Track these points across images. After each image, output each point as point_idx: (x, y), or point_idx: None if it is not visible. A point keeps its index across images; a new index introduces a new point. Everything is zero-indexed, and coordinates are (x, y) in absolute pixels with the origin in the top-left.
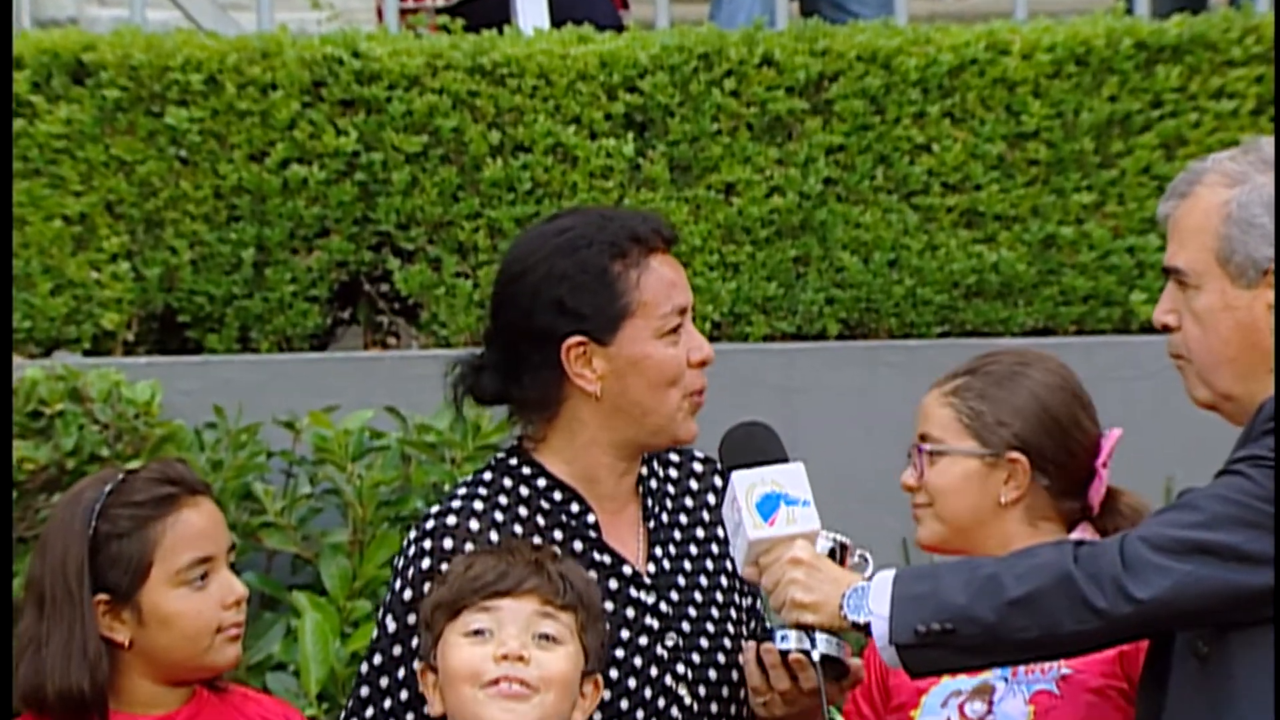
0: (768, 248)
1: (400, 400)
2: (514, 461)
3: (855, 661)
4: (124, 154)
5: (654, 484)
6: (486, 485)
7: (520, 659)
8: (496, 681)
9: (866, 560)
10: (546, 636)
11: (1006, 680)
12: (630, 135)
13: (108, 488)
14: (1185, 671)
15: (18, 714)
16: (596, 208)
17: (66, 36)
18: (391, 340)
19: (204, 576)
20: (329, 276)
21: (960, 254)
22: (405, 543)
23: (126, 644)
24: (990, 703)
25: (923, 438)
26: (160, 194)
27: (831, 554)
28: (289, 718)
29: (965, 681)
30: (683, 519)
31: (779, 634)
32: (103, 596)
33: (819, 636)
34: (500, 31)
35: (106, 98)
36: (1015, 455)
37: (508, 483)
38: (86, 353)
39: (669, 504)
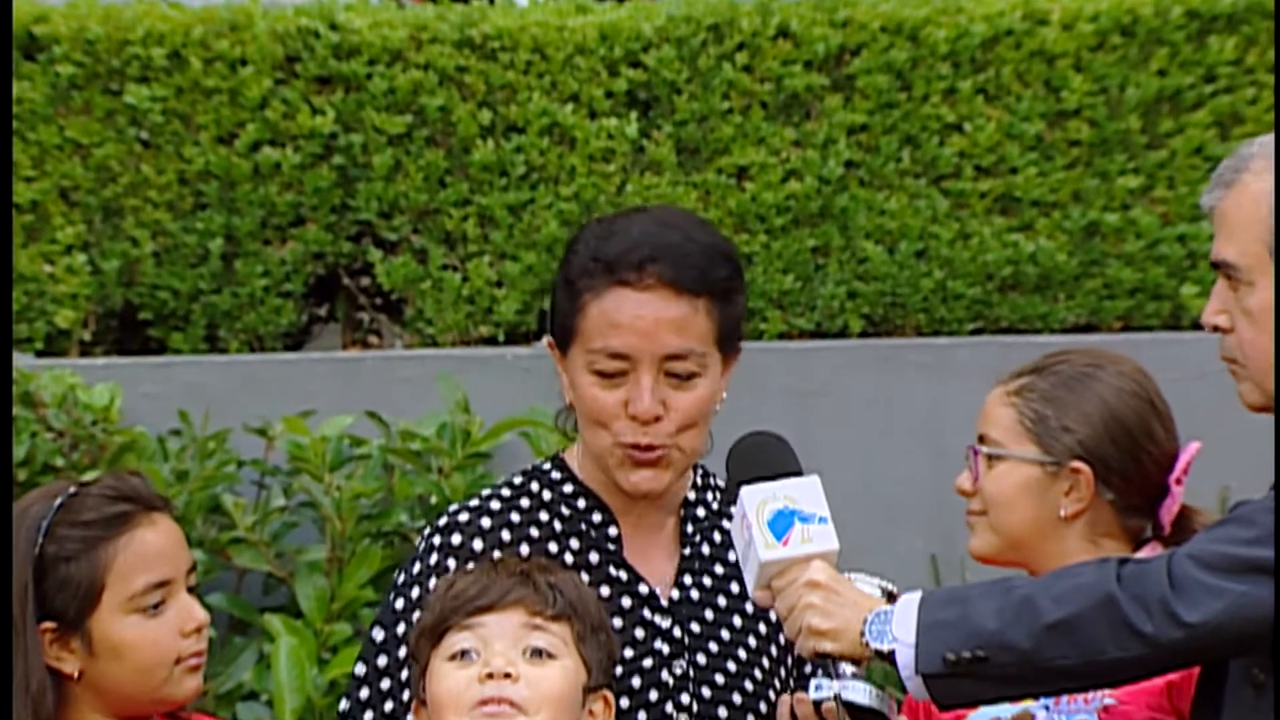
0: (784, 237)
1: (383, 404)
2: (546, 466)
3: None
4: (79, 136)
5: (700, 512)
6: (513, 488)
7: (507, 676)
8: (484, 703)
9: None
10: (538, 652)
11: (1048, 709)
12: (633, 115)
13: (57, 502)
14: (1240, 702)
15: None
16: (658, 210)
17: (17, 8)
18: (373, 339)
19: (160, 603)
20: (304, 269)
21: (994, 243)
22: (418, 541)
23: (75, 676)
24: None
25: (981, 439)
26: (119, 180)
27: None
28: None
29: (1005, 709)
30: (730, 556)
31: (813, 683)
32: (49, 624)
33: (856, 685)
34: (491, 1)
35: (60, 74)
36: (1078, 465)
37: (534, 487)
38: (39, 353)
39: (716, 537)
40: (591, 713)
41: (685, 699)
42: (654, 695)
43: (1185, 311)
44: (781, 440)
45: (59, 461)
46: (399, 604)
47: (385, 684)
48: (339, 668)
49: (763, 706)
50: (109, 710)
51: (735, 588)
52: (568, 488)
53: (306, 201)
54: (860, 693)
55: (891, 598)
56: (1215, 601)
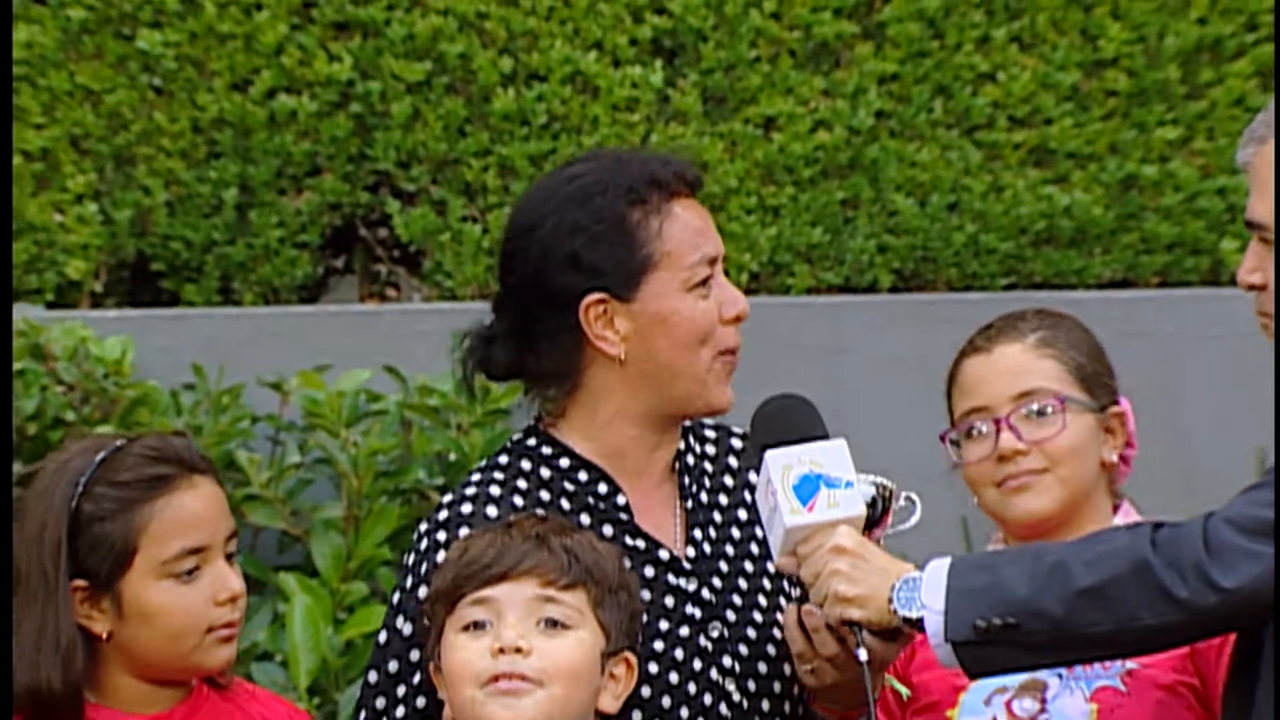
0: (812, 189)
1: (400, 359)
2: (532, 442)
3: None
4: (90, 82)
5: (690, 460)
6: (503, 469)
7: (519, 650)
8: (496, 679)
9: (914, 503)
10: (553, 623)
11: (1061, 676)
12: (658, 63)
13: (98, 458)
14: (1272, 681)
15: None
16: (611, 150)
17: None
18: (390, 292)
19: (194, 569)
20: (321, 220)
21: (1029, 196)
22: (416, 536)
23: (105, 636)
24: (1043, 700)
25: (1026, 395)
26: (131, 127)
27: (873, 503)
28: (293, 717)
29: (1011, 676)
30: (723, 499)
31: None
32: (81, 582)
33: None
34: None
35: (71, 19)
36: (1120, 409)
37: (526, 465)
38: (50, 305)
39: (707, 483)
40: (613, 676)
41: (728, 661)
42: (698, 664)
43: (1224, 267)
44: (807, 403)
45: (69, 415)
46: (414, 602)
47: (417, 678)
48: (355, 628)
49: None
50: (138, 673)
51: (736, 532)
52: (564, 461)
53: (323, 151)
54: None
55: (888, 494)
56: (1252, 566)
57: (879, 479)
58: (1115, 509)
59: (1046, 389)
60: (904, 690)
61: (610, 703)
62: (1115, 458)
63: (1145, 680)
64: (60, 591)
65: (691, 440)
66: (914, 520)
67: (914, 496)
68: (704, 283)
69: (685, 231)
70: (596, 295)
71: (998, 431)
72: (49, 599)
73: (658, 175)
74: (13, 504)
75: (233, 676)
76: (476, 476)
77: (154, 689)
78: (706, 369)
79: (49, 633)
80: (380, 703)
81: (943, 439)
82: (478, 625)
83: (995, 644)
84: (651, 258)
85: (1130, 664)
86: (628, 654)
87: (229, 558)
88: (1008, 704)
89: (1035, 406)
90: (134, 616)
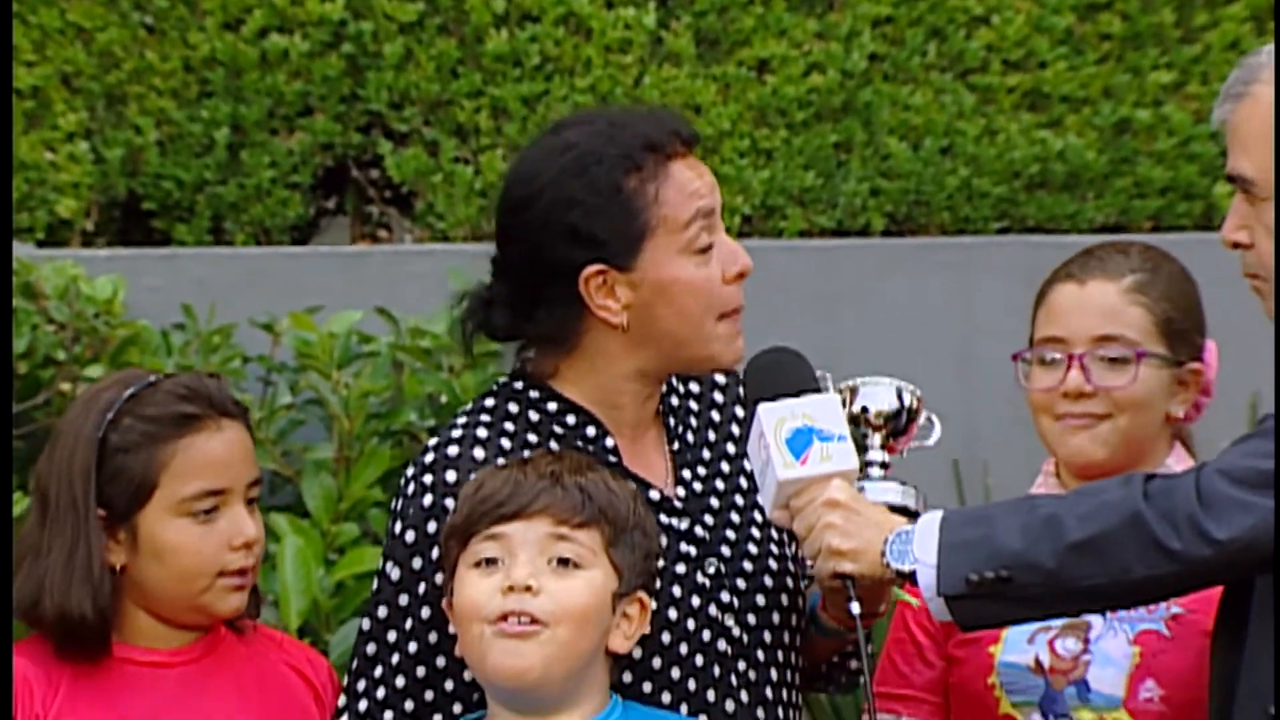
0: (805, 132)
1: (392, 300)
2: (519, 385)
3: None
4: (82, 20)
5: (675, 401)
6: (490, 412)
7: (528, 589)
8: (505, 617)
9: (933, 422)
10: (564, 561)
11: (1105, 617)
12: (651, 4)
13: (128, 392)
14: (1265, 626)
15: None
16: (604, 113)
17: None
18: (382, 233)
19: (212, 510)
20: (312, 161)
21: (1022, 140)
22: (403, 480)
23: (119, 568)
24: (1086, 640)
25: (1106, 339)
26: (123, 66)
27: (898, 413)
28: (311, 661)
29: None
30: (710, 436)
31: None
32: (100, 511)
33: (887, 485)
34: None
35: None
36: (1198, 365)
37: (514, 408)
38: (40, 243)
39: (693, 422)
40: (626, 616)
41: (725, 596)
42: (696, 601)
43: (1217, 211)
44: (799, 356)
45: (60, 355)
46: (401, 547)
47: (409, 624)
48: (346, 569)
49: (789, 582)
50: (151, 609)
51: (725, 467)
52: (552, 405)
53: (315, 91)
54: (893, 492)
55: (913, 411)
56: (1245, 517)
57: (910, 386)
58: (1170, 450)
59: (1127, 338)
60: (913, 600)
61: (621, 643)
62: (1181, 413)
63: (1191, 625)
64: (90, 520)
65: (675, 382)
66: (934, 438)
67: (934, 417)
68: (705, 250)
69: (680, 194)
70: (596, 267)
71: (1068, 367)
72: (79, 527)
73: (653, 138)
74: (12, 498)
75: (255, 623)
76: (463, 419)
77: (169, 628)
78: (712, 335)
79: (79, 560)
80: (370, 648)
81: (1015, 358)
82: (489, 562)
83: (988, 597)
84: (649, 224)
85: (1175, 608)
86: (641, 594)
87: (250, 504)
88: (1050, 642)
89: (1112, 353)
90: (148, 552)
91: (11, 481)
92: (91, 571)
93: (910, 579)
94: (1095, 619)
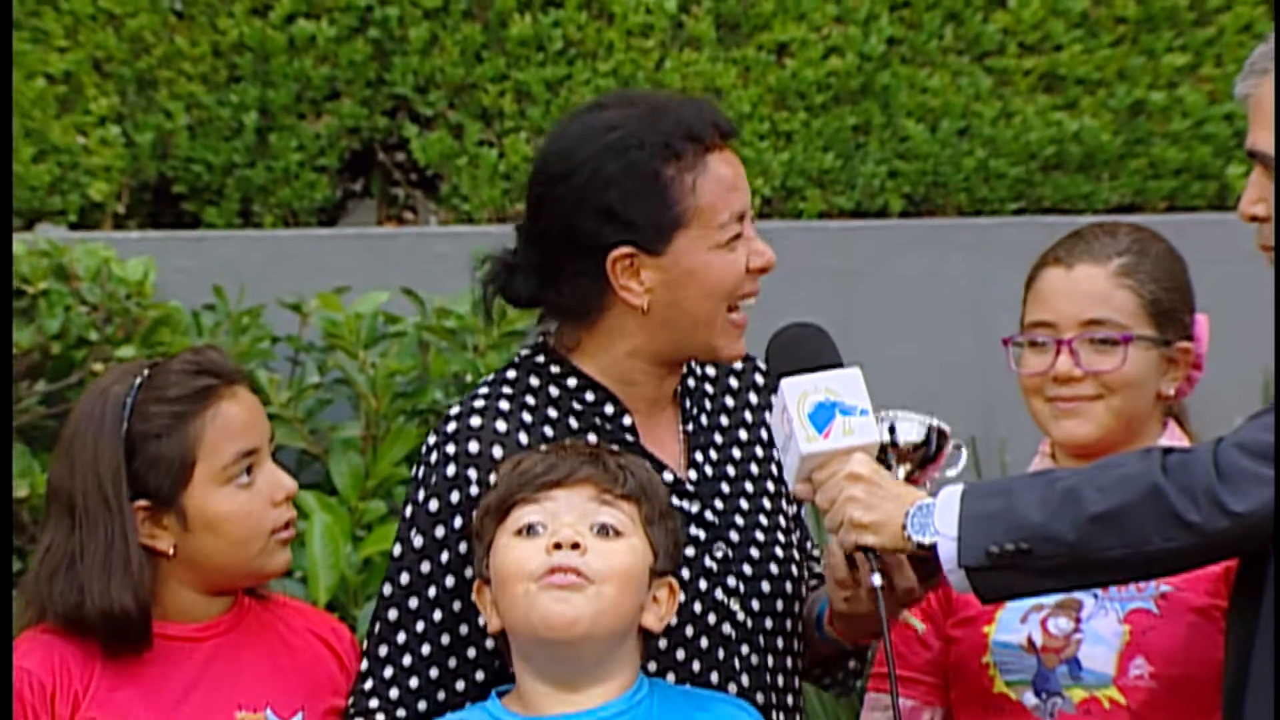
0: (824, 115)
1: (418, 281)
2: (541, 359)
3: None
4: (113, 6)
5: (691, 383)
6: (511, 384)
7: (575, 546)
8: (552, 571)
9: (961, 450)
10: (605, 528)
11: (1097, 596)
12: None
13: (137, 381)
14: None
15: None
16: (646, 95)
17: None
18: (408, 215)
19: (250, 471)
20: (339, 144)
21: (1038, 122)
22: (424, 449)
23: (170, 552)
24: (1077, 619)
25: (1093, 323)
26: (154, 51)
27: (927, 442)
28: (335, 629)
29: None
30: (723, 420)
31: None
32: (142, 503)
33: (908, 417)
34: None
35: None
36: (1186, 345)
37: (535, 381)
38: (73, 226)
39: (708, 405)
40: (656, 599)
41: (732, 581)
42: (703, 584)
43: (1231, 192)
44: (822, 331)
45: (93, 335)
46: (424, 515)
47: (432, 591)
48: (373, 545)
49: (794, 569)
50: (201, 585)
51: (737, 453)
52: (572, 381)
53: (342, 75)
54: (913, 429)
55: (943, 435)
56: (1263, 490)
57: (935, 421)
58: (1163, 427)
59: (1115, 321)
60: (918, 625)
61: (654, 622)
62: (1172, 390)
63: (1179, 603)
64: (124, 514)
65: (693, 364)
66: (961, 465)
67: (961, 444)
68: (734, 239)
69: (718, 187)
70: (625, 249)
71: (1057, 352)
72: (113, 523)
73: (694, 128)
74: (12, 498)
75: (269, 590)
76: (484, 390)
77: (206, 601)
78: (722, 327)
79: (118, 555)
80: (393, 614)
81: (1005, 343)
82: (530, 529)
83: (1008, 569)
84: (684, 215)
85: (1164, 586)
86: (671, 580)
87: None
88: (1043, 622)
89: (1100, 336)
90: (200, 527)
91: (12, 482)
92: (130, 565)
93: (931, 551)
94: (1086, 598)
